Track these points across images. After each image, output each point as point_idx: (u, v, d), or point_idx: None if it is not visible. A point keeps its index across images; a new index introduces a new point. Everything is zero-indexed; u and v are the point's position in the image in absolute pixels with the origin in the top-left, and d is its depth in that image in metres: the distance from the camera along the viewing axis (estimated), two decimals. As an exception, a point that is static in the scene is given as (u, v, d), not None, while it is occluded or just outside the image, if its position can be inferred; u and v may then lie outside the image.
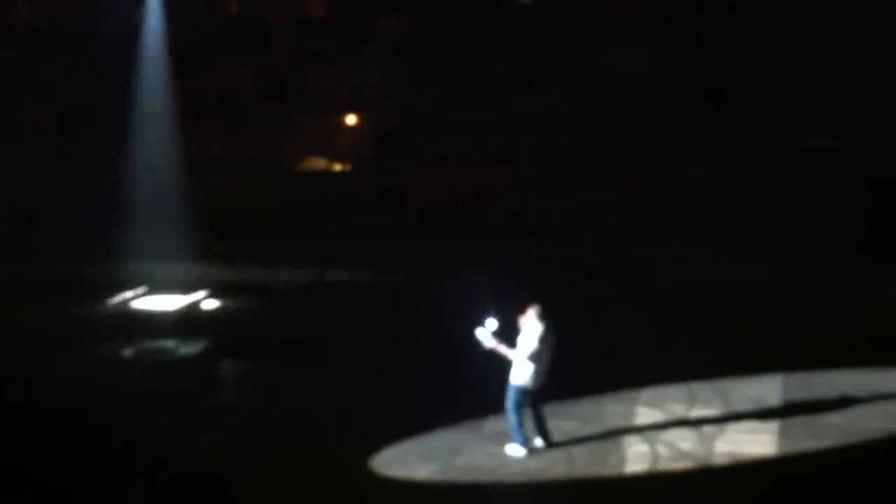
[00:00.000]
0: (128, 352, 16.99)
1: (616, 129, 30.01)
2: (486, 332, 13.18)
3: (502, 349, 13.17)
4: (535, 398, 13.43)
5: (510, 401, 13.28)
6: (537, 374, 13.21)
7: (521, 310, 13.27)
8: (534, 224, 26.48)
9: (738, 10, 29.67)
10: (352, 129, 33.70)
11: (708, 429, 13.88)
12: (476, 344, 13.22)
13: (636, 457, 13.26)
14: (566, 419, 14.18)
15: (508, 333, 13.24)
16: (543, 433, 13.52)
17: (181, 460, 13.69)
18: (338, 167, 32.86)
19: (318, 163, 32.61)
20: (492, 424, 13.85)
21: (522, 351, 13.12)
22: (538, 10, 31.47)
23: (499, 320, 13.21)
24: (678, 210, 25.21)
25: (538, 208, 27.28)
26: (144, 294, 21.39)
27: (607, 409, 14.65)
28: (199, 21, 34.55)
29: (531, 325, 13.21)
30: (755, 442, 13.44)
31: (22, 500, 12.69)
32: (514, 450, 13.35)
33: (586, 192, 27.44)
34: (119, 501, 12.69)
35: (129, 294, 21.37)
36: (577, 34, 30.62)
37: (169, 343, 17.51)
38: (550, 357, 13.24)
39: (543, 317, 13.22)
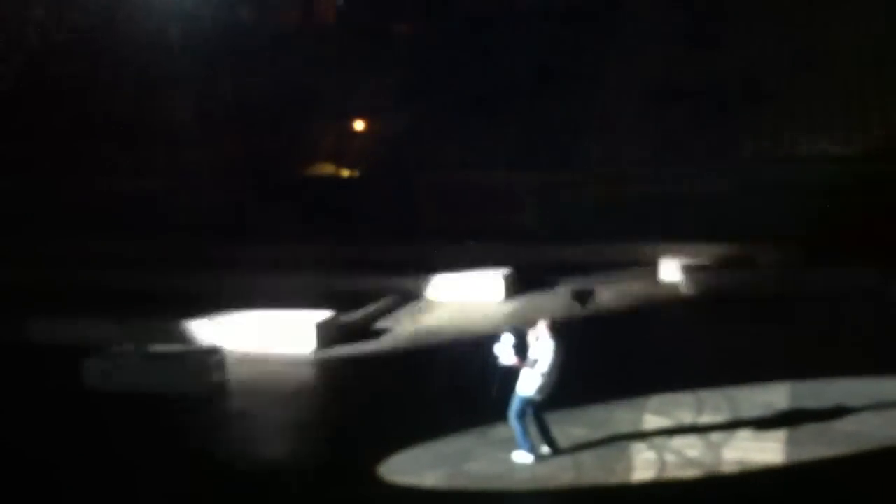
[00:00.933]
0: (143, 356, 17.08)
1: (633, 135, 30.03)
2: (504, 349, 13.20)
3: (521, 364, 13.20)
4: (538, 407, 13.45)
5: (514, 410, 13.32)
6: (545, 385, 13.27)
7: (533, 323, 13.30)
8: (547, 230, 26.49)
9: (757, 18, 29.69)
10: (363, 134, 33.76)
11: (716, 436, 13.83)
12: (496, 360, 13.25)
13: (644, 464, 13.21)
14: (574, 426, 14.16)
15: (520, 347, 13.25)
16: (549, 440, 13.52)
17: (189, 465, 13.69)
18: (346, 173, 32.98)
19: (327, 168, 32.75)
20: (499, 431, 13.82)
21: (536, 364, 13.18)
22: (555, 17, 31.52)
23: (514, 334, 13.21)
24: (692, 215, 25.18)
25: (554, 214, 27.29)
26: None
27: (615, 416, 14.63)
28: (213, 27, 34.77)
29: (543, 339, 13.25)
30: (764, 450, 13.37)
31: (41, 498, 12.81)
32: (522, 456, 13.35)
33: (600, 198, 27.45)
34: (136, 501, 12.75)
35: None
36: (595, 41, 30.66)
37: (182, 348, 17.57)
38: (558, 369, 13.26)
39: (554, 330, 13.25)
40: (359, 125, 33.64)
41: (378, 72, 32.60)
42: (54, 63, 33.76)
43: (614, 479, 12.93)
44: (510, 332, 13.30)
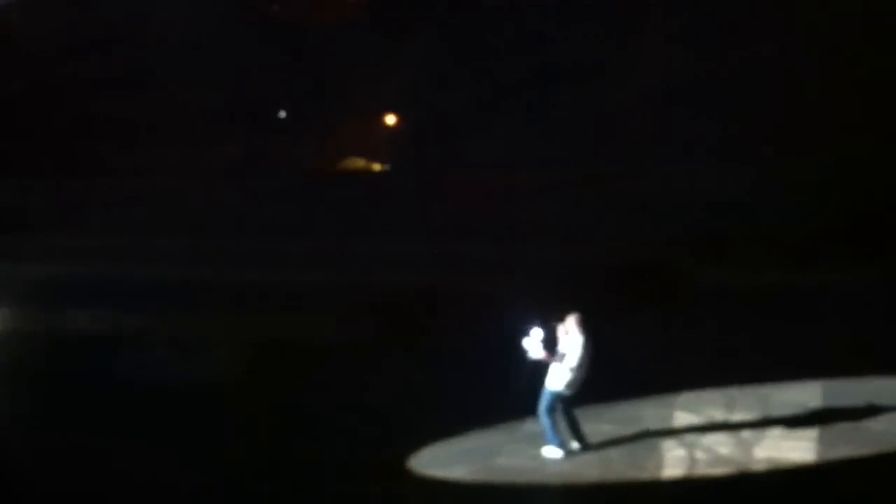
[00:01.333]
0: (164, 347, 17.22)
1: (649, 132, 29.90)
2: (533, 343, 13.24)
3: (549, 358, 13.25)
4: (567, 403, 13.48)
5: (543, 405, 13.36)
6: (574, 380, 13.30)
7: (562, 318, 13.33)
8: (566, 228, 26.35)
9: (771, 16, 29.54)
10: (390, 129, 33.76)
11: (746, 434, 13.79)
12: (523, 353, 13.29)
13: (673, 461, 13.22)
14: (603, 422, 14.15)
15: (549, 342, 13.34)
16: (579, 436, 13.54)
17: (212, 459, 13.75)
18: (377, 167, 32.96)
19: (357, 163, 32.74)
20: (529, 426, 13.83)
21: (565, 359, 13.22)
22: (572, 15, 31.45)
23: (543, 329, 13.27)
24: (713, 214, 25.06)
25: (571, 212, 27.18)
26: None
27: (644, 413, 14.59)
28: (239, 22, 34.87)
29: (572, 334, 13.29)
30: (794, 448, 13.33)
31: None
32: (551, 452, 13.38)
33: (619, 197, 27.35)
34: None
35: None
36: (615, 36, 30.58)
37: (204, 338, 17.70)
38: (588, 364, 13.29)
39: (583, 325, 13.28)
40: (390, 119, 33.65)
41: (399, 65, 32.62)
42: (65, 62, 33.88)
43: (644, 475, 12.95)
44: (539, 326, 13.34)
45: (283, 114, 34.65)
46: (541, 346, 13.30)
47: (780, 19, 29.38)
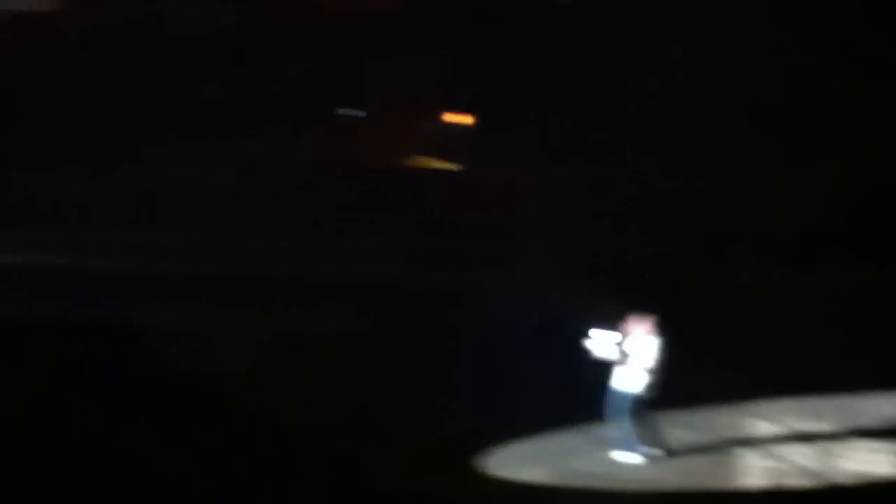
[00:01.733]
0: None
1: (672, 130, 29.64)
2: (608, 344, 12.94)
3: (624, 360, 12.89)
4: (646, 407, 13.03)
5: (620, 408, 12.93)
6: (651, 383, 12.90)
7: (636, 320, 12.96)
8: (592, 226, 25.99)
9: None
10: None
11: (831, 446, 13.34)
12: (599, 355, 12.98)
13: (755, 471, 12.80)
14: (681, 429, 13.69)
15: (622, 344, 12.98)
16: (657, 442, 13.08)
17: (272, 451, 13.25)
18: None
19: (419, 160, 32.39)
20: (606, 430, 13.36)
21: (637, 360, 12.85)
22: (604, 10, 31.32)
23: (614, 331, 12.94)
24: (753, 213, 24.73)
25: (597, 209, 26.85)
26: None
27: (725, 421, 14.15)
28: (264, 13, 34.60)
29: (644, 335, 12.92)
30: (884, 462, 12.87)
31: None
32: (628, 456, 12.93)
33: (647, 194, 27.04)
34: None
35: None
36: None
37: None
38: (664, 367, 12.88)
39: (658, 327, 12.91)
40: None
41: (426, 58, 32.42)
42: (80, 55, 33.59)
43: (724, 485, 12.50)
44: (615, 328, 12.91)
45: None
46: (616, 347, 12.91)
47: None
